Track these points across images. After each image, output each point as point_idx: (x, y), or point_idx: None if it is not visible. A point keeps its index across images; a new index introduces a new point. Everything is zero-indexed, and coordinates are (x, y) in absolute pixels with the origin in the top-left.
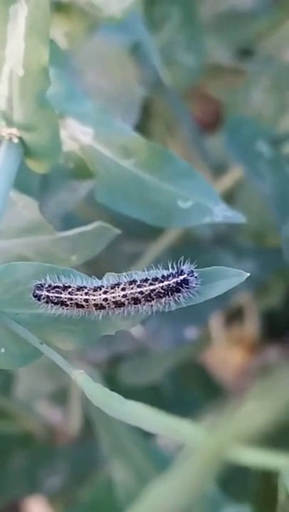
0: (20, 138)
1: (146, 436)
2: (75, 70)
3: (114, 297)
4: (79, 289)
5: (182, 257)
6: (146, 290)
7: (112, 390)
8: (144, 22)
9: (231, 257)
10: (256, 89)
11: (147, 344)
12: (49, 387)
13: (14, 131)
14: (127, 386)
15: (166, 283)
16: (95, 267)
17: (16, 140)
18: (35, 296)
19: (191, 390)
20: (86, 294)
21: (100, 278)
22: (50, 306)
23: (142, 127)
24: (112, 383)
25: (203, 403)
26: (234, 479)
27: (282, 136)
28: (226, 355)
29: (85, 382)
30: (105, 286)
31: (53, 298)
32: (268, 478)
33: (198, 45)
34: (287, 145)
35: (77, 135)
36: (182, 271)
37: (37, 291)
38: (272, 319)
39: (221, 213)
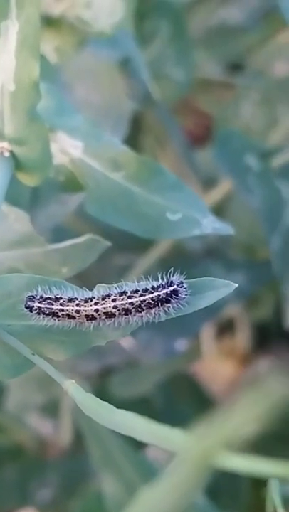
0: (11, 151)
1: (137, 448)
2: (65, 84)
3: (105, 308)
4: (70, 300)
5: (172, 269)
6: (137, 301)
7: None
8: (134, 36)
9: (221, 270)
10: (246, 103)
11: (138, 356)
12: (40, 400)
13: (5, 145)
14: (117, 398)
15: (156, 294)
16: (85, 279)
17: (7, 154)
18: (27, 308)
19: (182, 402)
20: (77, 305)
21: (91, 290)
22: (41, 317)
23: (133, 141)
24: (103, 395)
25: (193, 415)
26: (225, 491)
27: (271, 149)
28: (216, 367)
29: (76, 392)
30: (96, 298)
31: (45, 309)
32: (258, 490)
33: (188, 59)
34: (275, 159)
35: (67, 148)
36: (172, 282)
37: (29, 303)
38: (263, 331)
39: (210, 225)
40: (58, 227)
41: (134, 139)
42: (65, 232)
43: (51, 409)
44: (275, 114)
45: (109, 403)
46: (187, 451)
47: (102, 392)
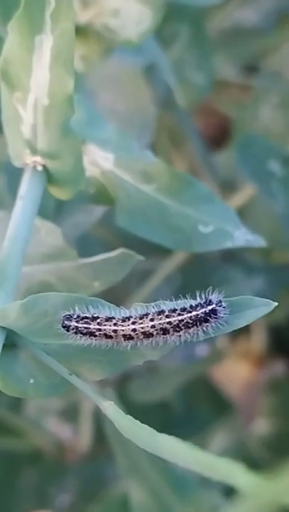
0: (43, 166)
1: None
2: (90, 92)
3: (142, 328)
4: (108, 319)
5: (192, 274)
6: (175, 320)
7: (122, 407)
8: (155, 41)
9: (241, 274)
10: (265, 106)
11: (157, 361)
12: (59, 404)
13: (38, 159)
14: (136, 403)
15: (194, 313)
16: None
17: (39, 168)
18: (64, 327)
19: (200, 406)
20: (115, 324)
21: (117, 302)
22: (79, 336)
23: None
24: (122, 400)
25: (212, 419)
26: None
27: None
28: (233, 370)
29: (114, 413)
30: (134, 317)
31: (82, 328)
32: None
33: (208, 63)
34: None
35: (98, 160)
36: (210, 301)
37: (66, 322)
38: (279, 333)
39: (243, 237)
40: (84, 237)
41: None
42: (88, 240)
43: (70, 413)
44: None
45: (129, 408)
46: (257, 493)
47: (121, 398)
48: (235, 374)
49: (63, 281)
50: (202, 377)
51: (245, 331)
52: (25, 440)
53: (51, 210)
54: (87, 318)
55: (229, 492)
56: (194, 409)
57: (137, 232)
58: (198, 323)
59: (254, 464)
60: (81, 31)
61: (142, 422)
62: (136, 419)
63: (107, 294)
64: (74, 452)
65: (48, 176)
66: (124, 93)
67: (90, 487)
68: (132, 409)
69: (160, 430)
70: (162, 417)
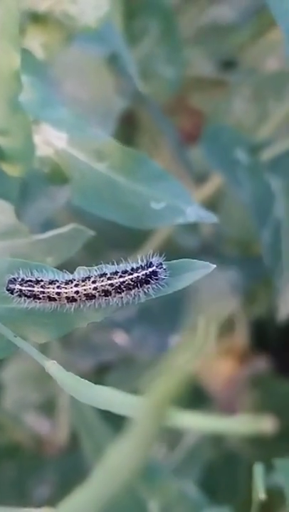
0: None
1: None
2: (53, 80)
3: (85, 290)
4: (51, 282)
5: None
6: (116, 282)
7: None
8: (124, 35)
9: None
10: (238, 99)
11: (133, 352)
12: (37, 398)
13: None
14: None
15: (135, 275)
16: None
17: None
18: (8, 290)
19: (179, 400)
20: (58, 287)
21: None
22: (23, 299)
23: (128, 140)
24: None
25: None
26: (223, 486)
27: (260, 143)
28: (214, 365)
29: (57, 371)
30: (76, 280)
31: (26, 291)
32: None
33: (178, 57)
34: (265, 152)
35: (51, 140)
36: (151, 263)
37: (10, 285)
38: (260, 328)
39: (194, 213)
40: (49, 223)
41: (129, 138)
42: (57, 228)
43: (48, 407)
44: (266, 108)
45: None
46: (141, 412)
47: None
48: (217, 370)
49: (17, 257)
50: None
51: (228, 326)
52: (3, 434)
53: (15, 194)
54: (31, 281)
55: (204, 481)
56: (173, 402)
57: (92, 210)
58: (139, 285)
59: (234, 458)
60: (41, 19)
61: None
62: None
63: None
64: (52, 445)
65: (0, 152)
66: (87, 82)
67: (68, 480)
68: None
69: None
70: None
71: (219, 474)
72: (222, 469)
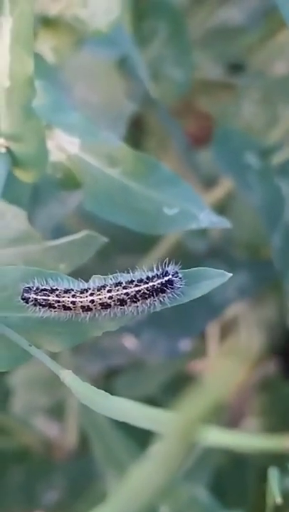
0: (7, 148)
1: (142, 448)
2: (64, 84)
3: (100, 299)
4: (66, 291)
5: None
6: (132, 291)
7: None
8: (133, 37)
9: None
10: (246, 103)
11: (142, 356)
12: (46, 402)
13: (1, 141)
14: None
15: (151, 284)
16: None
17: (3, 150)
18: (23, 299)
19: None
20: (73, 296)
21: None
22: (38, 308)
23: (136, 143)
24: None
25: None
26: (232, 489)
27: (271, 147)
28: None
29: (72, 381)
30: (92, 289)
31: (41, 300)
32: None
33: (186, 59)
34: (275, 156)
35: (64, 145)
36: (167, 272)
37: (25, 294)
38: (269, 330)
39: (207, 219)
40: (59, 228)
41: (137, 141)
42: (67, 233)
43: (57, 411)
44: (275, 112)
45: None
46: (171, 428)
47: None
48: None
49: (30, 264)
50: (189, 374)
51: (236, 328)
52: (12, 438)
53: (26, 199)
54: (46, 290)
55: (215, 486)
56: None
57: (104, 215)
58: (154, 294)
59: (244, 463)
60: (52, 23)
61: None
62: None
63: None
64: (61, 450)
65: (13, 159)
66: (97, 86)
67: (77, 484)
68: None
69: None
70: None
71: (229, 479)
72: (232, 473)
